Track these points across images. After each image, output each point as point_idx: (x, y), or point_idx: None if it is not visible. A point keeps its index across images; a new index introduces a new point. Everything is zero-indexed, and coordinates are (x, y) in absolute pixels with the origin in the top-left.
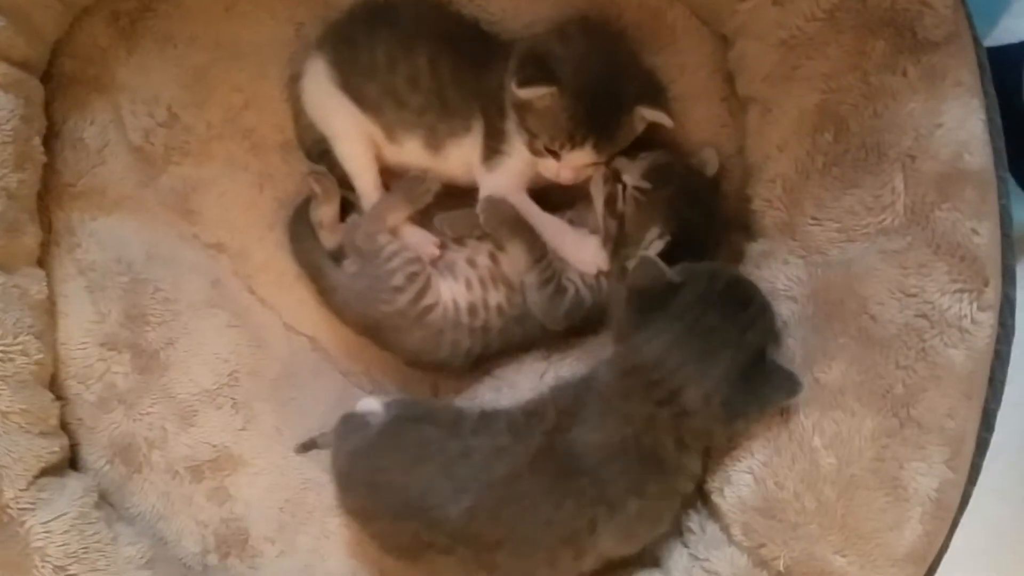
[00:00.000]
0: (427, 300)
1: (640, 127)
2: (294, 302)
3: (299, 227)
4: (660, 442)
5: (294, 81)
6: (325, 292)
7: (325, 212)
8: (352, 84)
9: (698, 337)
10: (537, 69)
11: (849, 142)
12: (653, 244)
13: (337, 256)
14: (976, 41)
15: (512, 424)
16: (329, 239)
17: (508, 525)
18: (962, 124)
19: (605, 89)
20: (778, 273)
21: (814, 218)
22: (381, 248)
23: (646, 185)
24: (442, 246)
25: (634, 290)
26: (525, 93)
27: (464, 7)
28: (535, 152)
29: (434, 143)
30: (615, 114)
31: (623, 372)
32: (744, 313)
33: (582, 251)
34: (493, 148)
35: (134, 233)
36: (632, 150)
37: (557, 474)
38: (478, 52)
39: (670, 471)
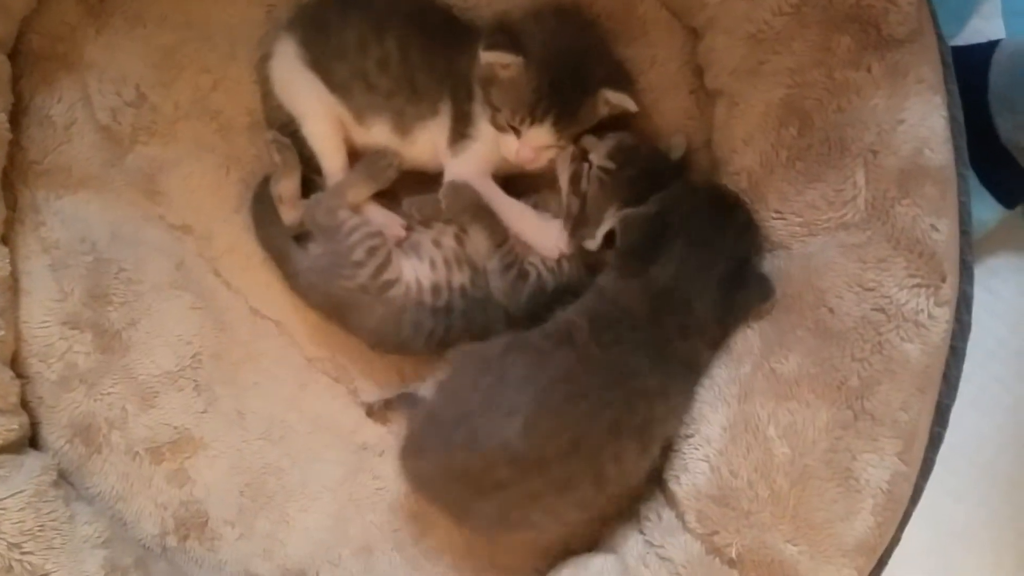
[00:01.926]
0: (388, 275)
1: (603, 111)
2: (260, 286)
3: (262, 210)
4: (694, 347)
5: (263, 61)
6: (290, 276)
7: (285, 186)
8: (322, 64)
9: (697, 249)
10: (505, 38)
11: (813, 137)
12: (608, 220)
13: (301, 239)
14: (940, 39)
15: (547, 334)
16: (289, 214)
17: (570, 426)
18: (923, 120)
19: (570, 67)
20: None
21: (777, 211)
22: (342, 223)
23: (610, 165)
24: (408, 228)
25: (628, 247)
26: (489, 56)
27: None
28: (497, 127)
29: (402, 127)
30: (578, 93)
31: (652, 297)
32: (733, 223)
33: (543, 235)
34: (460, 132)
35: (99, 212)
36: (599, 133)
37: (608, 373)
38: (449, 36)
39: (700, 370)
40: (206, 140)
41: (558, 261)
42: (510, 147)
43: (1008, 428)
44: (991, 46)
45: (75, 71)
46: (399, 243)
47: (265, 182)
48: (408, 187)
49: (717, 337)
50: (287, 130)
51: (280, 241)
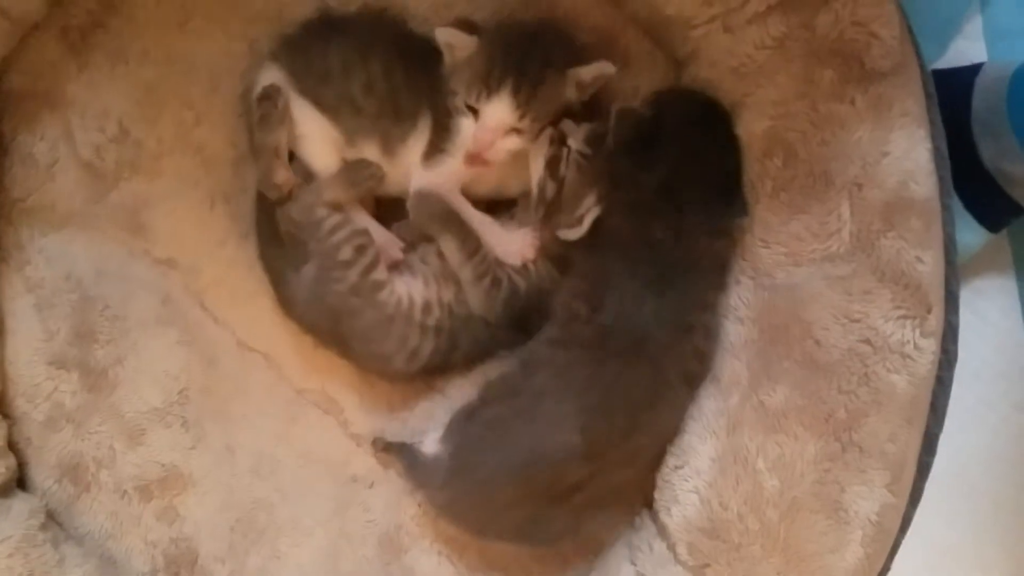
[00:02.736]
0: (377, 274)
1: (572, 94)
2: (247, 318)
3: (265, 228)
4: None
5: (248, 93)
6: (285, 301)
7: (280, 136)
8: (309, 88)
9: (689, 158)
10: (463, 22)
11: (797, 168)
12: (591, 211)
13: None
14: (923, 70)
15: (553, 342)
16: (281, 172)
17: (618, 407)
18: (908, 153)
19: (526, 37)
20: (731, 292)
21: (763, 240)
22: (321, 220)
23: (588, 151)
24: (405, 250)
25: (621, 142)
26: (443, 34)
27: (418, 27)
28: (457, 111)
29: (389, 149)
30: (536, 64)
31: (631, 207)
32: (721, 134)
33: (507, 243)
34: (436, 146)
35: (84, 250)
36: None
37: (629, 345)
38: (428, 58)
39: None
40: (190, 174)
41: (525, 266)
42: (468, 132)
43: (994, 448)
44: (974, 70)
45: (57, 109)
46: (395, 265)
47: (263, 200)
48: (397, 215)
49: (712, 249)
50: None
51: (279, 262)
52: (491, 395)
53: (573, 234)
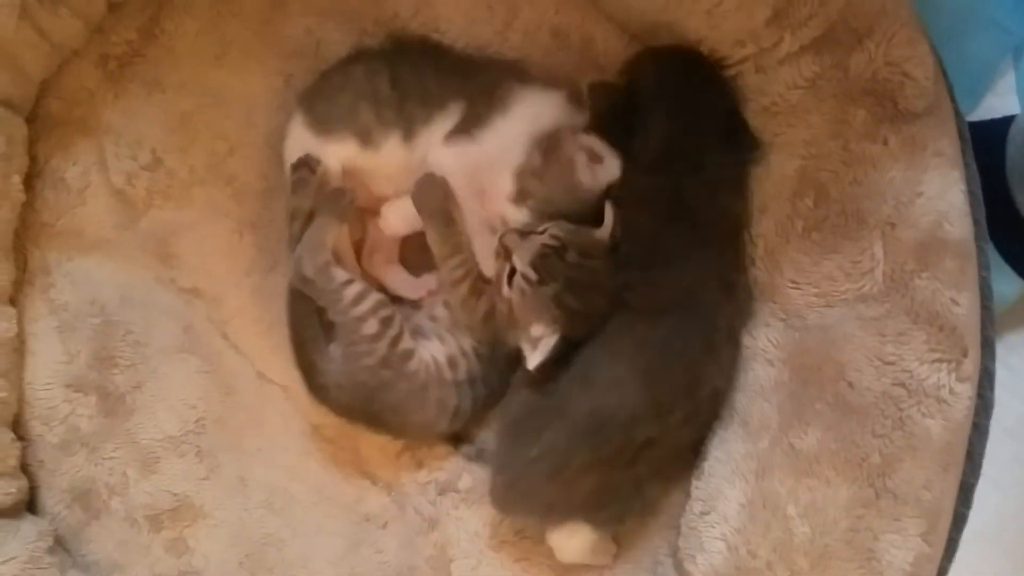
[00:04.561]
0: (404, 344)
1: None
2: (268, 349)
3: (298, 312)
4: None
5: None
6: (317, 389)
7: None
8: (322, 118)
9: (683, 112)
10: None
11: (829, 208)
12: (542, 343)
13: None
14: (957, 113)
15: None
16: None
17: (684, 368)
18: (942, 194)
19: None
20: (759, 335)
21: (793, 281)
22: (340, 289)
23: (532, 276)
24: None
25: (599, 116)
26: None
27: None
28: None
29: (411, 133)
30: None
31: (648, 170)
32: (708, 79)
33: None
34: (463, 128)
35: (110, 275)
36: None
37: (680, 304)
38: (463, 62)
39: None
40: (220, 204)
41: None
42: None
43: None
44: (1007, 121)
45: (92, 135)
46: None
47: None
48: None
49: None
50: None
51: (311, 349)
52: (536, 375)
53: (530, 363)
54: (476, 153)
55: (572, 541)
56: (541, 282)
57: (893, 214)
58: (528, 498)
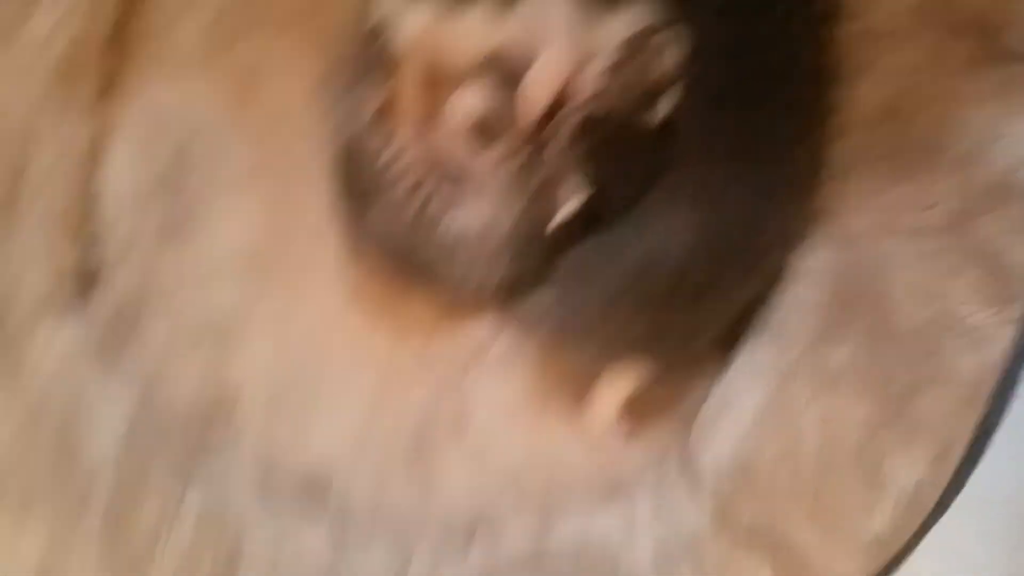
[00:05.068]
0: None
1: None
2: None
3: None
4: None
5: None
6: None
7: None
8: None
9: None
10: None
11: (906, 139)
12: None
13: None
14: None
15: None
16: None
17: (742, 217)
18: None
19: None
20: (807, 255)
21: (854, 207)
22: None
23: None
24: None
25: None
26: None
27: None
28: None
29: None
30: None
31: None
32: None
33: None
34: None
35: (189, 99)
36: None
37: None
38: None
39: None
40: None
41: None
42: None
43: None
44: None
45: None
46: None
47: None
48: None
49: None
50: None
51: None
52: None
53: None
54: None
55: (618, 385)
56: None
57: (969, 152)
58: (582, 338)
